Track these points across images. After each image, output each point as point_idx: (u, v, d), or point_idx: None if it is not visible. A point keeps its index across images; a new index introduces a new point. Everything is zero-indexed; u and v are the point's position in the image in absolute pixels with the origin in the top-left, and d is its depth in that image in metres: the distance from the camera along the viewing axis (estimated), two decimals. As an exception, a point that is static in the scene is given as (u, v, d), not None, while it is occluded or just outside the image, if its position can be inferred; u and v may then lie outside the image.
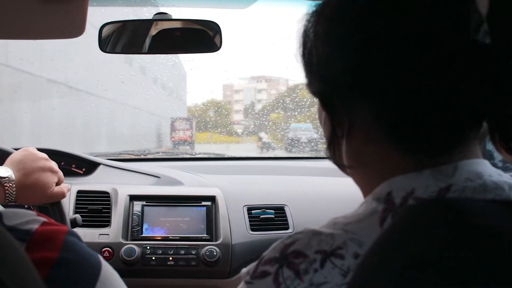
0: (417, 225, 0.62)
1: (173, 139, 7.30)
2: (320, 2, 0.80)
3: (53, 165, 1.54)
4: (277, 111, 7.54)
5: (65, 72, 7.49)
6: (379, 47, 0.71)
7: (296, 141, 6.12)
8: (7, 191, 1.38)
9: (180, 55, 5.34)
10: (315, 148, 5.57)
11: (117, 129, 7.86)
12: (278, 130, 6.52)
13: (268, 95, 9.48)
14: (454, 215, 0.61)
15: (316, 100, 0.83)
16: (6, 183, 1.38)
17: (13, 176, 1.40)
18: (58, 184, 1.55)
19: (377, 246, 0.65)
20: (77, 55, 6.89)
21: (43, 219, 0.79)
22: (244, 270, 0.78)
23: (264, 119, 8.07)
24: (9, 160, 1.48)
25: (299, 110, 5.92)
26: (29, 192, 1.45)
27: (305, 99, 6.01)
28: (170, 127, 7.37)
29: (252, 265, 0.76)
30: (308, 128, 6.00)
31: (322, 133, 0.88)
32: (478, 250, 0.57)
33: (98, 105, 7.70)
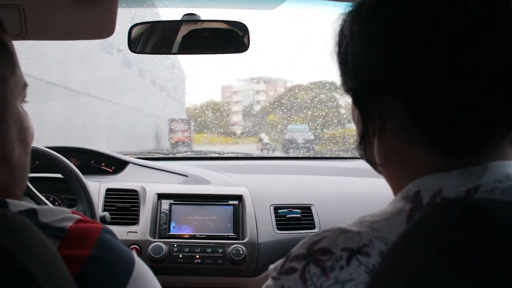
0: (439, 225, 0.62)
1: (171, 140, 7.36)
2: (357, 2, 0.80)
3: None
4: (275, 112, 7.56)
5: (65, 75, 7.61)
6: (411, 47, 0.71)
7: (292, 142, 6.17)
8: None
9: (179, 57, 5.41)
10: (312, 149, 5.59)
11: (116, 130, 7.95)
12: (275, 132, 6.54)
13: (267, 96, 9.48)
14: (478, 215, 0.61)
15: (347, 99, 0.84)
16: None
17: None
18: None
19: (397, 244, 0.65)
20: (77, 58, 7.05)
21: (78, 216, 0.80)
22: (271, 266, 0.79)
23: (262, 120, 8.09)
24: None
25: (296, 111, 5.93)
26: None
27: (302, 101, 6.01)
28: (168, 128, 7.43)
29: (280, 261, 0.77)
30: (305, 129, 6.03)
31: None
32: (503, 252, 0.57)
33: (98, 107, 7.82)
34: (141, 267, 0.82)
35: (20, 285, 0.56)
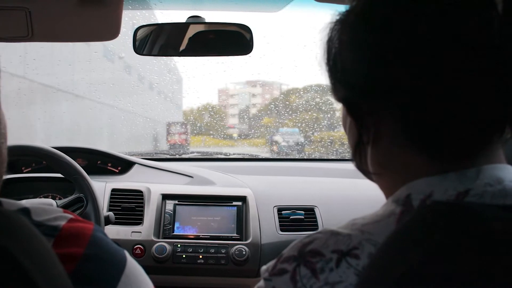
0: (426, 227, 0.63)
1: (168, 143, 7.44)
2: (345, 10, 0.80)
3: None
4: (270, 115, 7.61)
5: (72, 82, 7.78)
6: (402, 53, 0.71)
7: (283, 145, 6.26)
8: None
9: (177, 61, 5.47)
10: (302, 151, 5.66)
11: (115, 133, 8.09)
12: (269, 134, 6.57)
13: (263, 99, 9.51)
14: (465, 218, 0.62)
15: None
16: None
17: None
18: None
19: (385, 246, 0.66)
20: (81, 65, 7.19)
21: (70, 215, 0.81)
22: (264, 267, 0.79)
23: (257, 123, 8.14)
24: None
25: (289, 115, 5.99)
26: None
27: (294, 104, 6.05)
28: (165, 131, 7.52)
29: (272, 263, 0.78)
30: (295, 132, 6.11)
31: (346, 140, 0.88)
32: (488, 254, 0.58)
33: (100, 111, 8.00)
34: (133, 265, 0.83)
35: (15, 282, 0.57)
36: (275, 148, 6.41)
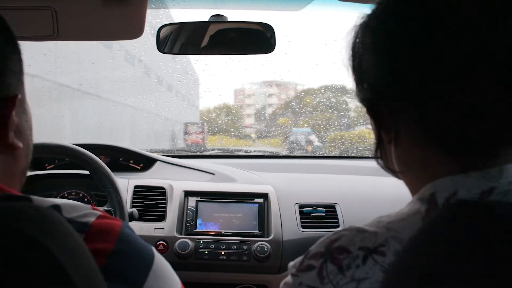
0: (451, 225, 0.64)
1: (186, 142, 7.52)
2: (367, 14, 0.82)
3: None
4: (286, 115, 7.63)
5: (96, 84, 7.97)
6: (421, 56, 0.72)
7: (297, 144, 6.29)
8: None
9: (197, 59, 5.52)
10: (315, 150, 5.71)
11: (135, 133, 8.24)
12: (283, 134, 6.59)
13: (279, 99, 9.52)
14: (489, 217, 0.63)
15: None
16: None
17: None
18: None
19: (411, 243, 0.67)
20: (105, 71, 7.33)
21: (98, 212, 0.83)
22: (291, 263, 0.81)
23: (273, 123, 8.17)
24: None
25: (304, 114, 6.00)
26: None
27: (308, 104, 6.07)
28: (183, 130, 7.60)
29: (299, 259, 0.80)
30: (308, 132, 6.14)
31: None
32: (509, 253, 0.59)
33: (122, 112, 8.18)
34: (160, 261, 0.85)
35: (51, 277, 0.59)
36: (309, 148, 6.42)
